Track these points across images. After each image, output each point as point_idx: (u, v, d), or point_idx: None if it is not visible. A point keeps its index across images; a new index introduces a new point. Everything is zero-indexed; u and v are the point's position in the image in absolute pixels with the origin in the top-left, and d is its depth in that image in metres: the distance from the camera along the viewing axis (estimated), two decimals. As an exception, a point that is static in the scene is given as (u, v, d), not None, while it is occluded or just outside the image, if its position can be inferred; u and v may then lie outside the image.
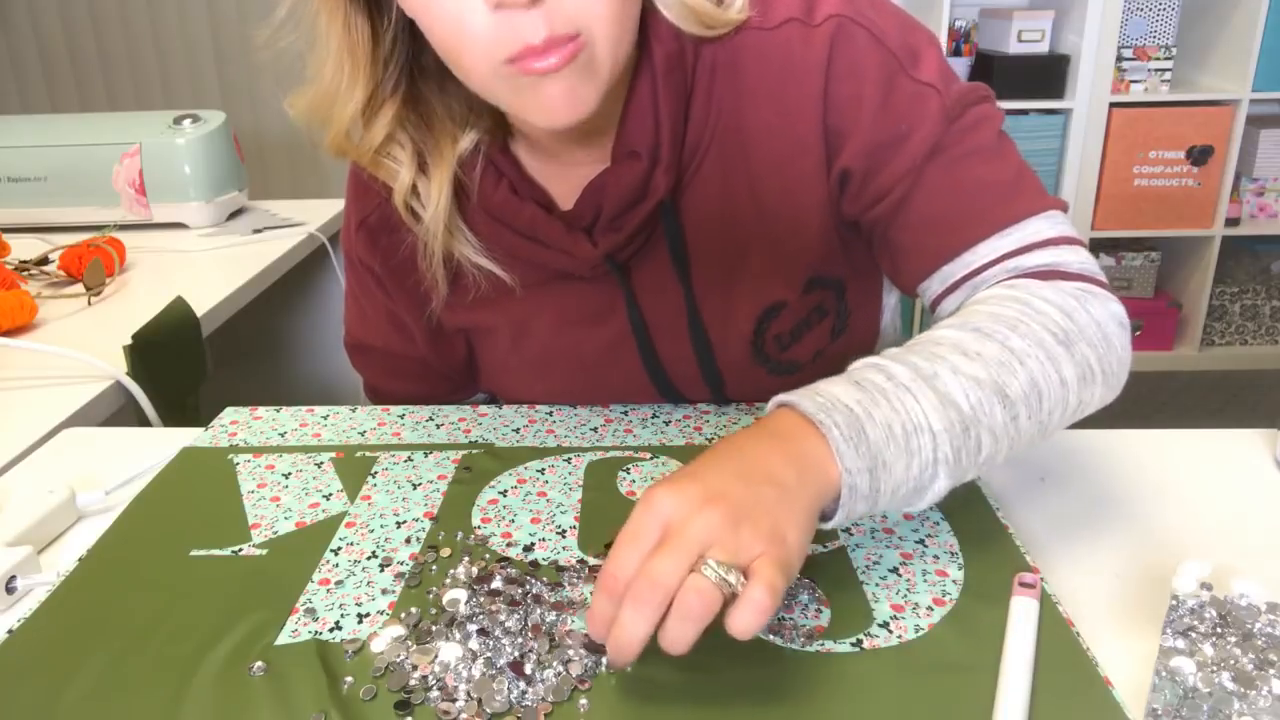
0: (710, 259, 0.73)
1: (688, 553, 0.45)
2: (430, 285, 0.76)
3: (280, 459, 0.73)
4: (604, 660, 0.51)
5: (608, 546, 0.61)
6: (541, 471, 0.70)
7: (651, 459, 0.71)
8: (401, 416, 0.80)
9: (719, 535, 0.45)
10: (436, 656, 0.51)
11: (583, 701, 0.48)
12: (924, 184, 0.66)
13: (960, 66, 2.63)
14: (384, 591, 0.58)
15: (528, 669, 0.50)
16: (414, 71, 0.68)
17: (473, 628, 0.53)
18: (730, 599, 0.44)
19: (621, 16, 0.60)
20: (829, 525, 0.52)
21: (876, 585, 0.56)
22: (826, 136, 0.68)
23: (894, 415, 0.52)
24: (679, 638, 0.44)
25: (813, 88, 0.66)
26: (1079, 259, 0.64)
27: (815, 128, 0.67)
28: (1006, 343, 0.56)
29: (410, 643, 0.52)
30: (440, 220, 0.70)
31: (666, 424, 0.77)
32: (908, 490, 0.53)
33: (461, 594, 0.56)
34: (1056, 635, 0.52)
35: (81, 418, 0.88)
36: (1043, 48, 2.54)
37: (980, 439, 0.54)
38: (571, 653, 0.51)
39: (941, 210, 0.67)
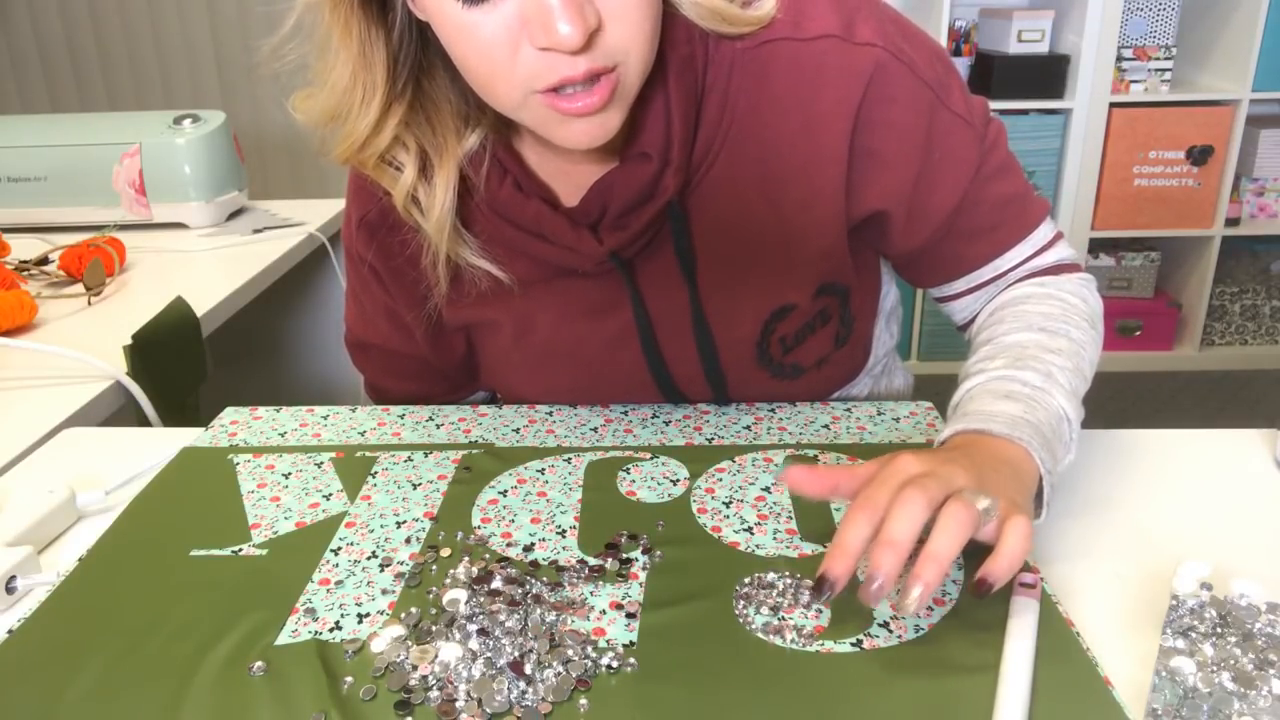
0: (718, 259, 0.73)
1: (945, 483, 0.51)
2: (431, 282, 0.76)
3: (280, 459, 0.73)
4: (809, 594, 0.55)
5: (609, 546, 0.61)
6: (541, 471, 0.70)
7: (651, 459, 0.71)
8: (401, 416, 0.80)
9: (964, 478, 0.52)
10: (436, 656, 0.51)
11: (583, 701, 0.48)
12: (961, 204, 0.72)
13: (960, 66, 2.62)
14: (384, 591, 0.58)
15: (528, 669, 0.50)
16: (420, 69, 0.68)
17: (473, 628, 0.53)
18: (983, 531, 0.51)
19: (653, 38, 0.61)
20: (1039, 520, 0.59)
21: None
22: (852, 155, 0.69)
23: (1046, 415, 0.61)
24: (943, 541, 0.49)
25: (845, 104, 0.67)
26: (1071, 252, 0.77)
27: (841, 143, 0.68)
28: (1069, 336, 0.69)
29: (410, 643, 0.52)
30: (446, 221, 0.70)
31: (666, 424, 0.77)
32: (1059, 469, 0.61)
33: (461, 594, 0.56)
34: (1056, 635, 0.52)
35: (81, 418, 0.88)
36: (1043, 48, 2.54)
37: (1080, 411, 0.65)
38: (571, 653, 0.51)
39: (976, 226, 0.74)
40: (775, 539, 0.61)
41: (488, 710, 0.47)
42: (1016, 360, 0.65)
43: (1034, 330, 0.69)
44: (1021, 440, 0.58)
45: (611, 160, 0.70)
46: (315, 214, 1.55)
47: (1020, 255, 0.75)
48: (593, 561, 0.59)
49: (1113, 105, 2.53)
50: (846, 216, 0.72)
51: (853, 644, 0.52)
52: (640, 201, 0.68)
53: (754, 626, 0.53)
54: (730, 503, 0.65)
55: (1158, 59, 2.52)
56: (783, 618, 0.54)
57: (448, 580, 0.58)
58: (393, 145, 0.68)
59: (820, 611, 0.54)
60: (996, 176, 0.73)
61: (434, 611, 0.55)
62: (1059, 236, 0.77)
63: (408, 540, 0.63)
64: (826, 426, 0.76)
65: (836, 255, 0.74)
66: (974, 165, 0.71)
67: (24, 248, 1.35)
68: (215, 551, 0.62)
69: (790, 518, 0.63)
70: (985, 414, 0.61)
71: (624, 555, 0.60)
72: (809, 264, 0.73)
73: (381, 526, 0.64)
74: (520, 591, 0.56)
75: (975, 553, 0.59)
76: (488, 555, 0.60)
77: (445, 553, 0.61)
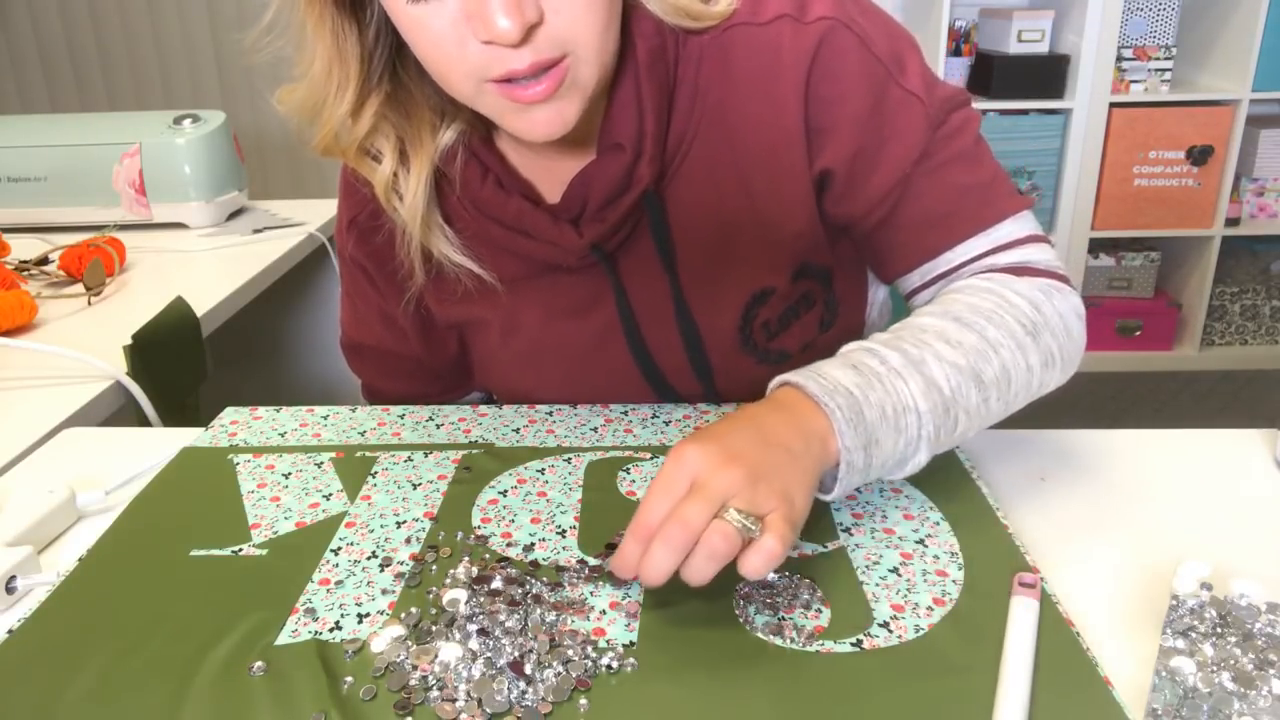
0: (696, 247, 0.74)
1: (713, 501, 0.50)
2: (407, 270, 0.76)
3: (280, 459, 0.73)
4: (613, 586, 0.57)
5: (609, 546, 0.61)
6: (541, 471, 0.70)
7: (651, 459, 0.71)
8: (401, 416, 0.80)
9: (740, 489, 0.51)
10: (436, 656, 0.51)
11: (583, 701, 0.48)
12: (910, 189, 0.70)
13: (960, 66, 2.63)
14: (384, 591, 0.58)
15: (528, 669, 0.50)
16: (396, 62, 0.69)
17: (473, 628, 0.53)
18: (747, 544, 0.50)
19: (605, 32, 0.61)
20: (827, 498, 0.59)
21: (876, 585, 0.56)
22: (807, 133, 0.69)
23: (886, 398, 0.58)
24: (701, 572, 0.50)
25: (796, 82, 0.68)
26: (1045, 256, 0.70)
27: (798, 122, 0.69)
28: (984, 333, 0.63)
29: (410, 643, 0.52)
30: (419, 209, 0.71)
31: (666, 424, 0.77)
32: (894, 463, 0.60)
33: (461, 594, 0.56)
34: (1056, 635, 0.52)
35: (81, 418, 0.88)
36: (1043, 48, 2.54)
37: (958, 418, 0.61)
38: (571, 653, 0.51)
39: (925, 213, 0.71)
40: (775, 539, 0.61)
41: (488, 710, 0.47)
42: (893, 339, 0.62)
43: (947, 319, 0.63)
44: (829, 409, 0.56)
45: (590, 155, 0.71)
46: (315, 214, 1.55)
47: (976, 249, 0.70)
48: (593, 561, 0.59)
49: (1113, 105, 2.53)
50: (813, 193, 0.72)
51: (853, 644, 0.52)
52: (618, 193, 0.69)
53: (754, 626, 0.53)
54: (730, 503, 0.65)
55: (1158, 59, 2.52)
56: (783, 618, 0.54)
57: (448, 580, 0.58)
58: (371, 134, 0.70)
59: (820, 611, 0.54)
60: (953, 164, 0.70)
61: (434, 611, 0.55)
62: (1034, 239, 0.71)
63: (408, 540, 0.63)
64: (826, 426, 0.76)
65: (811, 236, 0.74)
66: (920, 146, 0.68)
67: (24, 248, 1.35)
68: (215, 551, 0.62)
69: (790, 518, 0.63)
70: (815, 371, 0.59)
71: (624, 555, 0.60)
72: (784, 246, 0.74)
73: (381, 526, 0.64)
74: (520, 591, 0.56)
75: (972, 551, 0.59)
76: (488, 555, 0.60)
77: (445, 553, 0.61)
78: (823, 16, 0.67)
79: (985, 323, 0.63)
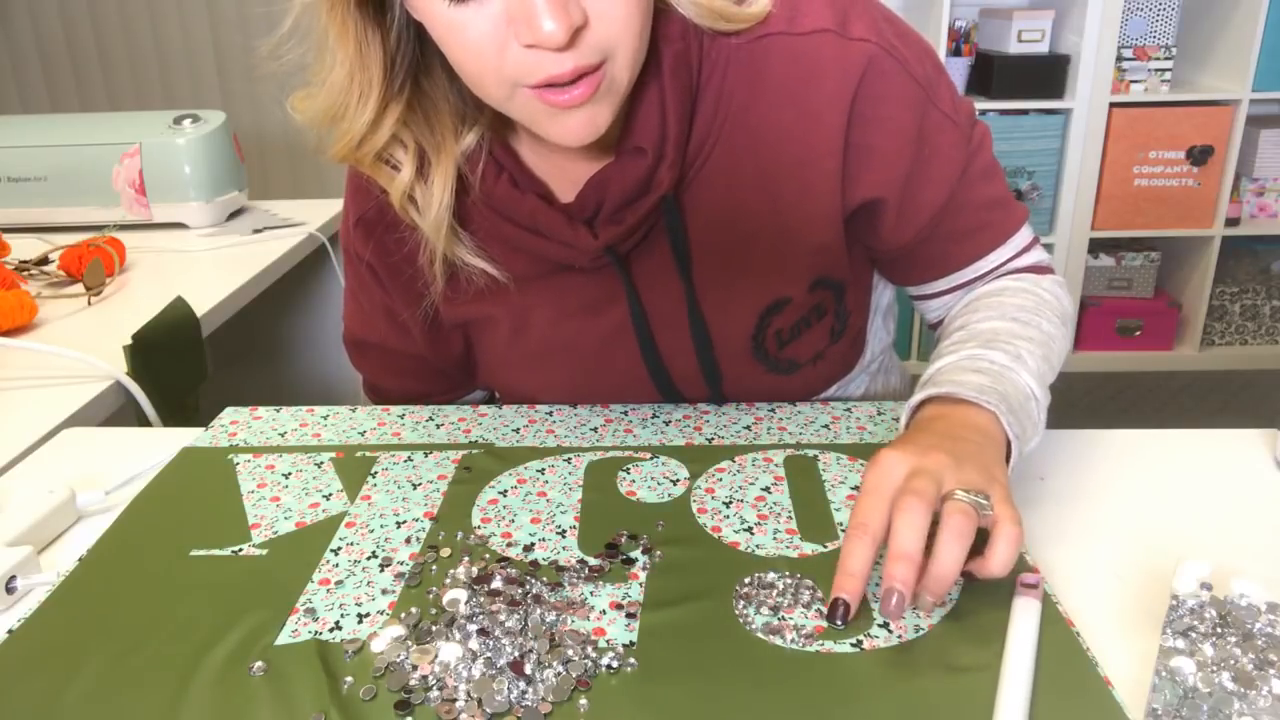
0: (713, 253, 0.73)
1: (933, 479, 0.52)
2: (429, 280, 0.76)
3: (280, 459, 0.73)
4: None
5: (608, 546, 0.61)
6: (541, 471, 0.70)
7: (651, 459, 0.71)
8: (401, 416, 0.80)
9: (949, 470, 0.53)
10: (436, 656, 0.51)
11: (583, 701, 0.48)
12: (948, 205, 0.73)
13: (960, 66, 2.63)
14: (384, 591, 0.58)
15: (528, 669, 0.50)
16: (419, 68, 0.68)
17: (473, 628, 0.53)
18: (982, 522, 0.52)
19: (642, 35, 0.61)
20: None
21: (877, 585, 0.56)
22: (847, 149, 0.69)
23: (1014, 390, 0.63)
24: (951, 554, 0.50)
25: (840, 98, 0.67)
26: (1046, 257, 0.80)
27: (836, 136, 0.68)
28: (1040, 327, 0.70)
29: (410, 643, 0.52)
30: (444, 219, 0.71)
31: (666, 424, 0.77)
32: (1028, 448, 0.63)
33: (461, 594, 0.56)
34: (1056, 635, 0.52)
35: (81, 418, 0.88)
36: (1043, 48, 2.54)
37: (1048, 397, 0.66)
38: (571, 653, 0.51)
39: (962, 226, 0.75)
40: (775, 539, 0.61)
41: (488, 710, 0.47)
42: (987, 343, 0.67)
43: (1007, 319, 0.70)
44: (989, 405, 0.60)
45: (607, 156, 0.70)
46: (315, 214, 1.55)
47: (1002, 257, 0.77)
48: (593, 561, 0.59)
49: (1113, 105, 2.53)
50: (842, 210, 0.72)
51: (853, 644, 0.52)
52: (635, 196, 0.69)
53: (754, 626, 0.53)
54: (730, 503, 0.65)
55: (1158, 59, 2.52)
56: (783, 618, 0.54)
57: (448, 580, 0.58)
58: (390, 144, 0.69)
59: (820, 611, 0.54)
60: (982, 179, 0.74)
61: (434, 611, 0.55)
62: (1035, 241, 0.79)
63: (408, 540, 0.63)
64: (826, 426, 0.76)
65: (832, 250, 0.74)
66: (961, 165, 0.72)
67: (24, 248, 1.35)
68: (215, 551, 0.62)
69: (790, 518, 0.63)
70: (953, 381, 0.63)
71: (624, 555, 0.60)
72: (804, 258, 0.74)
73: (381, 526, 0.64)
74: (520, 591, 0.56)
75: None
76: (488, 555, 0.60)
77: (445, 553, 0.61)
78: (866, 39, 0.67)
79: (1039, 319, 0.71)
